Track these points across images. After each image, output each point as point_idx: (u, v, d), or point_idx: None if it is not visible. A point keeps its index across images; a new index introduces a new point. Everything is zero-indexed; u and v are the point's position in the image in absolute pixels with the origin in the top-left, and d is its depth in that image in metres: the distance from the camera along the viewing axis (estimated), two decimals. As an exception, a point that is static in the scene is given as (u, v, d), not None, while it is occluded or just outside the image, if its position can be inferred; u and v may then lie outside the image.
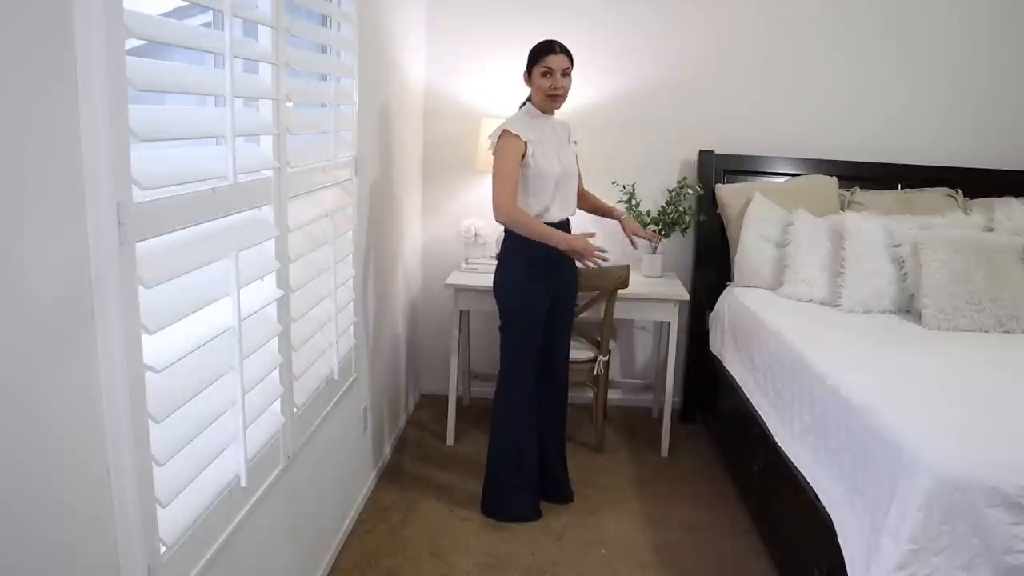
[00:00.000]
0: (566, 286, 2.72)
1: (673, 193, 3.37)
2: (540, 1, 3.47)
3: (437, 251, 3.71)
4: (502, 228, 2.61)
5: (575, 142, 2.71)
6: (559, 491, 2.85)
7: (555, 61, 2.48)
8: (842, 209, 3.34)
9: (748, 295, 3.16)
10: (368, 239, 2.67)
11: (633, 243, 2.78)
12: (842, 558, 1.87)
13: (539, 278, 2.59)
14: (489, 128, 3.31)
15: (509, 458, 2.72)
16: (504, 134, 2.50)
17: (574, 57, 2.55)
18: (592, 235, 2.57)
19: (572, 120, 2.88)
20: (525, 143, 2.50)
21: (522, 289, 2.60)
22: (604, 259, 2.49)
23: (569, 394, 2.91)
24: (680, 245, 3.60)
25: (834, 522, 1.96)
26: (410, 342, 3.58)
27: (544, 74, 2.49)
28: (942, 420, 1.86)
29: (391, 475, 3.02)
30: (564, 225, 2.63)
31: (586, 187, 2.87)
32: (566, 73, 2.51)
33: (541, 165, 2.52)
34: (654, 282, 3.35)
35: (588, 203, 2.88)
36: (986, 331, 2.70)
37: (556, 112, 2.64)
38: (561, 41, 2.54)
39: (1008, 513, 1.64)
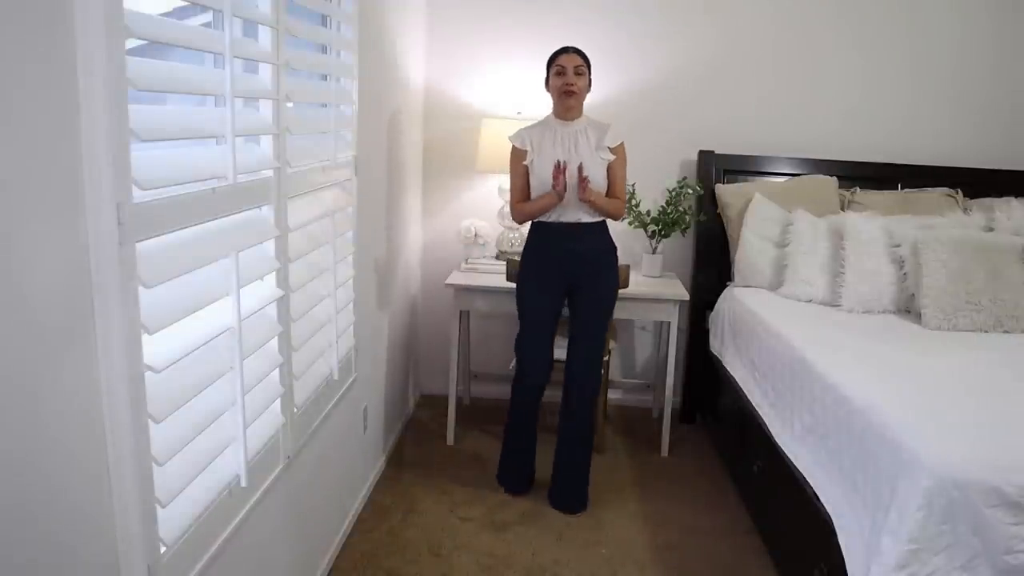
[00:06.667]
0: (582, 276, 2.66)
1: (673, 193, 3.37)
2: (540, 2, 3.47)
3: (437, 251, 3.71)
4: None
5: (609, 147, 2.63)
6: (558, 499, 2.82)
7: (565, 60, 2.59)
8: (842, 209, 3.34)
9: (748, 295, 3.16)
10: (368, 239, 2.67)
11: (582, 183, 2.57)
12: (842, 558, 1.87)
13: (538, 269, 2.69)
14: (489, 128, 3.32)
15: (505, 434, 2.89)
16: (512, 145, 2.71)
17: (590, 59, 2.62)
18: (558, 165, 2.54)
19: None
20: (525, 151, 2.67)
21: (520, 280, 2.74)
22: (581, 177, 2.53)
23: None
24: (680, 245, 3.60)
25: (834, 522, 1.96)
26: (410, 342, 3.58)
27: (557, 73, 2.60)
28: (942, 420, 1.86)
29: (391, 475, 3.02)
30: (580, 227, 2.63)
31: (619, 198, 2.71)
32: (579, 72, 2.58)
33: (538, 172, 2.63)
34: (654, 282, 3.35)
35: None
36: (986, 331, 2.70)
37: (592, 115, 2.70)
38: (575, 45, 2.62)
39: (1008, 513, 1.64)
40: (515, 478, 2.90)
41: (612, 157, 2.64)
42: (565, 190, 2.55)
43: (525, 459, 2.89)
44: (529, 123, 2.76)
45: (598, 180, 2.61)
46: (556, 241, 2.65)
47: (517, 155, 2.69)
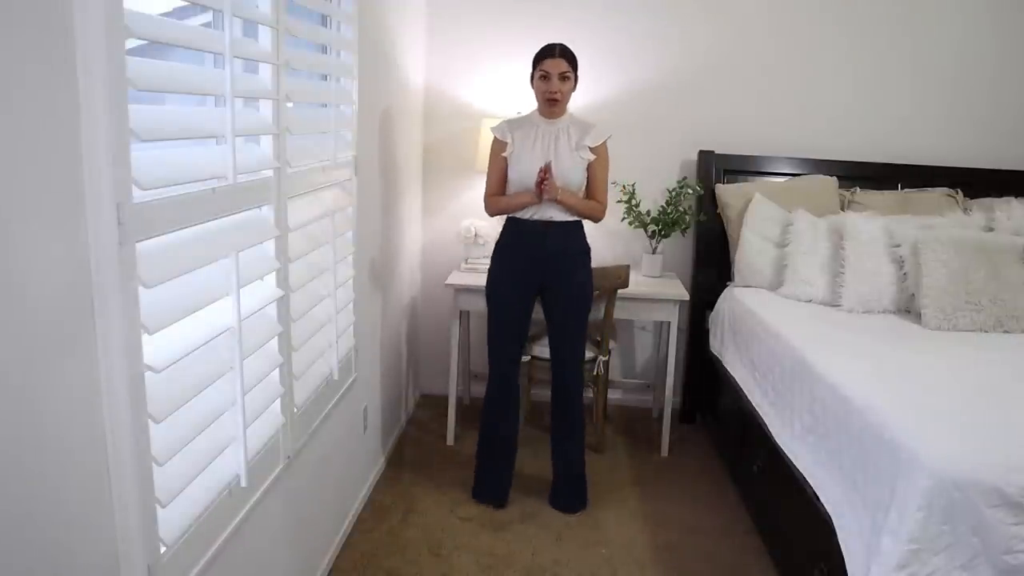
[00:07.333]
0: (553, 275, 2.63)
1: (673, 193, 3.37)
2: (540, 3, 3.47)
3: (437, 251, 3.71)
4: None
5: (591, 146, 2.59)
6: (557, 500, 2.83)
7: (551, 65, 2.53)
8: (842, 209, 3.35)
9: (748, 295, 3.16)
10: (368, 239, 2.67)
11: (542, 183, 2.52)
12: (842, 558, 1.87)
13: (510, 266, 2.67)
14: (489, 128, 3.31)
15: (480, 442, 2.83)
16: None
17: (578, 59, 2.57)
18: (544, 166, 2.51)
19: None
20: (505, 143, 2.63)
21: (491, 276, 2.72)
22: (547, 177, 2.48)
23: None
24: (680, 245, 3.60)
25: (834, 522, 1.96)
26: (410, 342, 3.58)
27: (541, 78, 2.55)
28: (942, 420, 1.86)
29: (391, 475, 3.02)
30: (552, 225, 2.60)
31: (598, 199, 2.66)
32: (564, 77, 2.53)
33: (515, 167, 2.61)
34: (654, 282, 3.35)
35: None
36: (986, 331, 2.70)
37: (588, 116, 2.66)
38: (564, 44, 2.56)
39: (1008, 513, 1.64)
40: (495, 489, 2.81)
41: (592, 157, 2.60)
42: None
43: (505, 467, 2.82)
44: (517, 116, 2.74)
45: (575, 179, 2.59)
46: (529, 238, 2.63)
47: (497, 147, 2.66)
